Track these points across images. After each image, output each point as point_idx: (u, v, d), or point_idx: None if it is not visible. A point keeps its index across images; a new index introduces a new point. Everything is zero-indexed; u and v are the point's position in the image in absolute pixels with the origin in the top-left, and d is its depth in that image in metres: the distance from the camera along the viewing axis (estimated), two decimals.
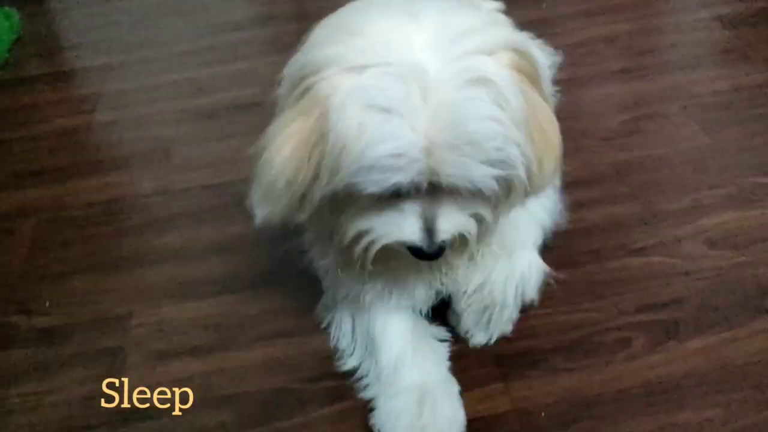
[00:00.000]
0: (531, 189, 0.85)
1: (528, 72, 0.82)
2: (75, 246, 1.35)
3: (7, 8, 2.12)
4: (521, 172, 0.80)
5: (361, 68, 0.74)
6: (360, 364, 1.02)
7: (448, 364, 1.01)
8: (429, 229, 0.81)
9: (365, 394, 0.99)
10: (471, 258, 0.98)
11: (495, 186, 0.79)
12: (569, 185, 1.19)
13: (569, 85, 1.60)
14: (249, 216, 1.30)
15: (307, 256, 1.08)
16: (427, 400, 0.94)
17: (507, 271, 1.01)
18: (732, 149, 1.39)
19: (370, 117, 0.73)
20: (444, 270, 0.98)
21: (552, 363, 1.03)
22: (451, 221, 0.82)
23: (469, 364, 1.03)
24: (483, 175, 0.77)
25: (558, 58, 1.63)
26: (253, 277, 1.22)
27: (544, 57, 1.61)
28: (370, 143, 0.73)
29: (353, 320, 1.05)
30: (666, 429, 0.93)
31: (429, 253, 0.83)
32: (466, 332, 1.03)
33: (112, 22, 2.17)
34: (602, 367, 1.02)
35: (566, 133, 1.40)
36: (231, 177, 1.45)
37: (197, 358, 1.10)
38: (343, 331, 1.05)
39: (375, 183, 0.75)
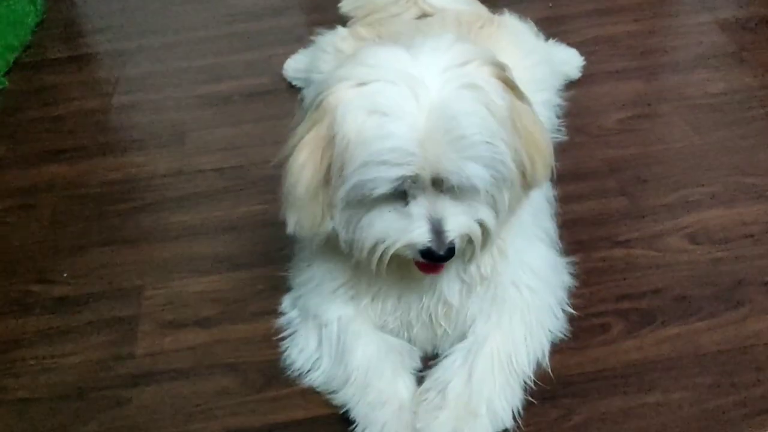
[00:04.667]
0: (526, 186, 0.95)
1: (508, 82, 0.92)
2: (92, 221, 1.43)
3: None
4: (512, 167, 0.90)
5: (364, 83, 0.88)
6: (326, 378, 1.05)
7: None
8: (438, 231, 0.89)
9: (335, 400, 1.03)
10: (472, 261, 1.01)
11: (488, 180, 0.87)
12: (560, 179, 1.23)
13: (570, 83, 1.67)
14: (257, 198, 1.41)
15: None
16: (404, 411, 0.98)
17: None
18: (720, 150, 1.45)
19: (370, 119, 0.85)
20: (442, 307, 1.04)
21: None
22: (457, 222, 0.90)
23: None
24: (476, 167, 0.85)
25: (581, 60, 1.71)
26: (258, 256, 1.29)
27: (575, 58, 1.70)
28: (369, 141, 0.84)
29: (320, 333, 1.07)
30: (636, 408, 1.00)
31: (439, 255, 0.89)
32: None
33: (134, 8, 2.24)
34: (581, 349, 1.09)
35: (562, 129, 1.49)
36: (242, 161, 1.53)
37: (204, 328, 1.18)
38: (304, 347, 1.09)
39: (380, 180, 0.84)
